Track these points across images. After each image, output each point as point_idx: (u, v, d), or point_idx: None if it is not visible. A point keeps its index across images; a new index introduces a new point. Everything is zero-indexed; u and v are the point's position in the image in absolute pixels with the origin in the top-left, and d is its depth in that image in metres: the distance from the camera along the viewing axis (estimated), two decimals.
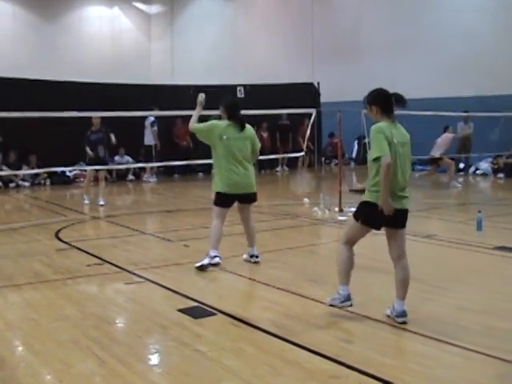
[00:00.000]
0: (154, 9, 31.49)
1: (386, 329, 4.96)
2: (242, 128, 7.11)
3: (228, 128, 7.04)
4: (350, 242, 5.20)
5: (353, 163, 22.86)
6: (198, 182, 18.80)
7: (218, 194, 7.11)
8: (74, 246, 8.53)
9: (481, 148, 17.53)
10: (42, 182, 17.73)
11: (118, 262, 7.43)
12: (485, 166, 18.94)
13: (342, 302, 5.20)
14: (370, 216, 5.03)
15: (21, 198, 15.29)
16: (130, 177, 19.03)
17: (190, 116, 7.36)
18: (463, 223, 10.21)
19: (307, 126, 14.01)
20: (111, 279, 6.79)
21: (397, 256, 5.11)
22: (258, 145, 7.37)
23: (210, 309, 5.48)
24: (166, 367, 4.35)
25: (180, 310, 5.44)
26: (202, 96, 7.45)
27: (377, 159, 4.89)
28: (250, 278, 6.80)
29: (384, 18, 21.95)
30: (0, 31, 26.46)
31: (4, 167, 16.88)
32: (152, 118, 18.40)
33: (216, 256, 6.99)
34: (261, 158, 9.50)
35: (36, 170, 16.31)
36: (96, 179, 13.56)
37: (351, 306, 5.22)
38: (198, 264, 7.02)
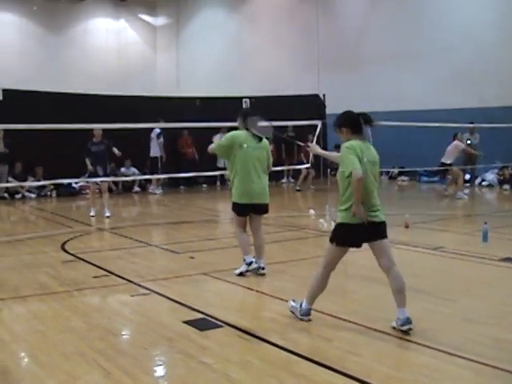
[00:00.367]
0: (159, 21, 31.61)
1: (392, 341, 4.94)
2: (260, 139, 7.31)
3: (248, 137, 7.25)
4: (330, 265, 5.37)
5: None
6: (203, 194, 18.82)
7: (234, 203, 7.34)
8: (79, 258, 8.53)
9: (486, 159, 17.50)
10: (48, 193, 17.77)
11: (124, 274, 7.43)
12: (491, 177, 18.91)
13: (302, 314, 5.45)
14: (345, 237, 5.21)
15: (27, 210, 15.32)
16: (136, 188, 19.06)
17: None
18: (469, 235, 10.19)
19: (311, 141, 14.00)
20: (117, 291, 6.79)
21: (386, 267, 5.21)
22: (271, 158, 7.55)
23: (215, 321, 5.47)
24: (172, 379, 4.34)
25: (186, 322, 5.43)
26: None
27: (349, 175, 5.05)
28: (257, 290, 6.79)
29: (389, 29, 21.99)
30: (6, 44, 26.57)
31: (10, 179, 16.93)
32: (158, 130, 18.44)
33: (251, 262, 7.21)
34: None
35: (42, 182, 16.34)
36: (100, 191, 13.58)
37: (309, 320, 5.41)
38: (237, 271, 7.24)
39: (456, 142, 16.09)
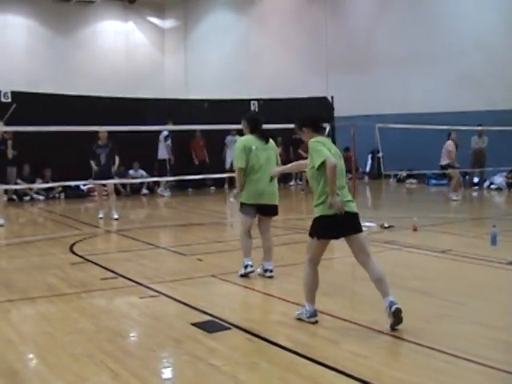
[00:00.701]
0: (167, 23, 31.67)
1: (401, 344, 4.93)
2: (267, 141, 7.35)
3: (254, 140, 7.28)
4: (314, 260, 5.46)
5: (366, 177, 22.83)
6: (211, 196, 18.83)
7: (241, 204, 7.34)
8: (88, 260, 8.56)
9: (495, 162, 17.44)
10: (57, 195, 17.85)
11: (132, 276, 7.44)
12: (499, 180, 18.82)
13: (309, 317, 5.43)
14: (322, 229, 5.31)
15: (35, 212, 15.38)
16: (144, 191, 19.11)
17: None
18: (478, 238, 10.14)
19: None
20: (125, 293, 6.80)
21: (362, 260, 5.35)
22: (279, 159, 7.57)
23: (224, 323, 5.47)
24: (180, 381, 4.34)
25: (194, 324, 5.43)
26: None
27: (321, 165, 5.16)
28: (265, 293, 6.78)
29: (397, 31, 21.98)
30: (15, 46, 26.68)
31: (19, 181, 16.99)
32: (166, 133, 18.47)
33: (248, 265, 7.26)
34: None
35: (50, 184, 16.41)
36: (107, 193, 13.62)
37: (317, 322, 5.39)
38: (238, 273, 7.32)
39: (447, 143, 15.92)
